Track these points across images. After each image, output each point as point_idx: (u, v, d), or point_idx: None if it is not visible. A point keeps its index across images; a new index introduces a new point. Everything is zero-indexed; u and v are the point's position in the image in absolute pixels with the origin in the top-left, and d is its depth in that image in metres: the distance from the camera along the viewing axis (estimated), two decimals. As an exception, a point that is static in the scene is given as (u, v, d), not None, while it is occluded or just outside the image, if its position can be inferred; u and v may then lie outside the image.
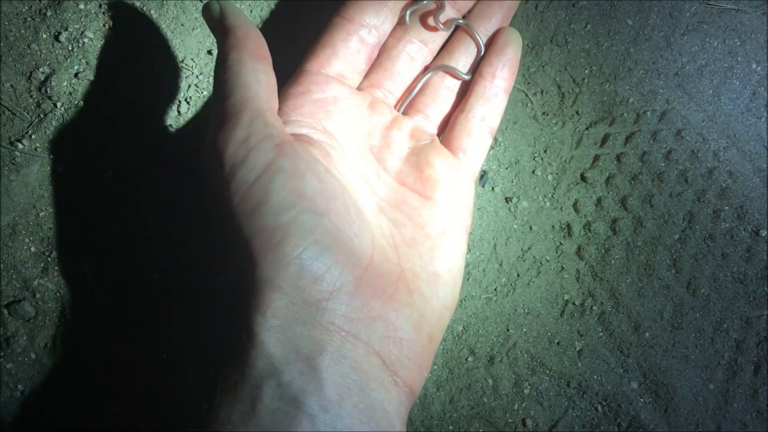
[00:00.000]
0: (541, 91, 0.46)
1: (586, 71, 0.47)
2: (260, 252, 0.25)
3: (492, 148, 0.45)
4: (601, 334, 0.44)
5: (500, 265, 0.44)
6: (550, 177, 0.45)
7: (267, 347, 0.25)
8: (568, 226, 0.45)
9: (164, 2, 0.42)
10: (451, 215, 0.34)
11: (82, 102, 0.41)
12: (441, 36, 0.37)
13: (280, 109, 0.31)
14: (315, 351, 0.25)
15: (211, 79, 0.42)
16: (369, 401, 0.26)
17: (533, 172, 0.45)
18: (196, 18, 0.42)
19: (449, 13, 0.37)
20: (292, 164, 0.27)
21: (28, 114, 0.41)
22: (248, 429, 0.24)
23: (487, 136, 0.37)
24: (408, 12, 0.36)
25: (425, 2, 0.36)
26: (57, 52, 0.41)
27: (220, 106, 0.29)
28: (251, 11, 0.43)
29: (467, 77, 0.37)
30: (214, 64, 0.38)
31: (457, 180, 0.35)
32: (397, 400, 0.27)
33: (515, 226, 0.45)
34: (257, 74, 0.30)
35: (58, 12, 0.42)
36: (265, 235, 0.26)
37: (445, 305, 0.32)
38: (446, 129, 0.37)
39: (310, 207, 0.27)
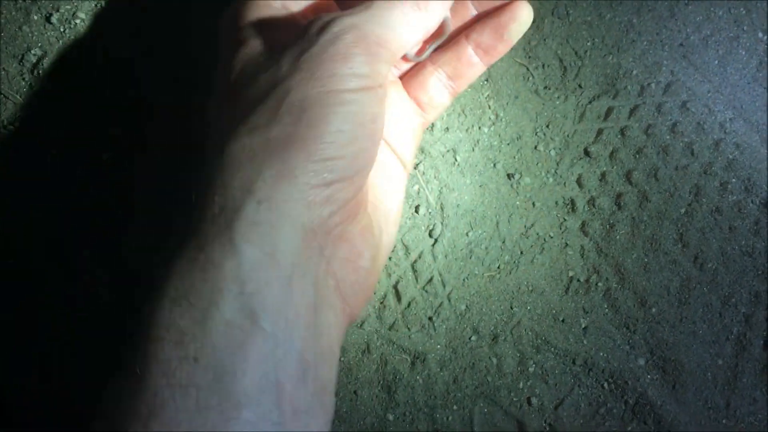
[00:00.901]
0: (543, 65, 0.45)
1: (589, 43, 0.46)
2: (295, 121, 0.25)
3: (493, 123, 0.44)
4: (607, 310, 0.43)
5: (503, 242, 0.43)
6: (552, 152, 0.45)
7: (242, 249, 0.23)
8: (572, 201, 0.44)
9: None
10: (397, 157, 0.35)
11: (74, 83, 0.40)
12: None
13: None
14: (289, 259, 0.24)
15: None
16: (319, 324, 0.25)
17: (535, 147, 0.44)
18: (188, -4, 0.42)
19: None
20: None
21: (20, 97, 0.40)
22: (198, 340, 0.22)
23: (447, 98, 0.36)
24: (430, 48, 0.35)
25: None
26: (49, 33, 0.41)
27: None
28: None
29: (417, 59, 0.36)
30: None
31: (407, 127, 0.35)
32: (341, 327, 0.27)
33: (518, 203, 0.44)
34: None
35: (48, -7, 0.41)
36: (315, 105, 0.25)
37: (389, 246, 0.32)
38: (410, 73, 0.36)
39: None
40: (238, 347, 0.22)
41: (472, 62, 0.36)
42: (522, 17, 0.35)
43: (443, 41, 0.35)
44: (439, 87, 0.36)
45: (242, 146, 0.25)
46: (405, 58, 0.35)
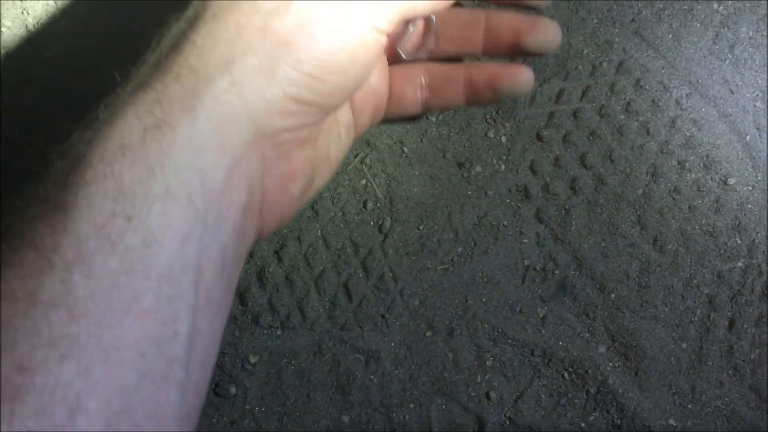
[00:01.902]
0: (490, 49, 0.44)
1: (537, 24, 0.44)
2: None
3: (441, 112, 0.43)
4: (565, 298, 0.42)
5: (456, 234, 0.42)
6: (504, 138, 0.43)
7: (200, 121, 0.23)
8: (525, 188, 0.43)
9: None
10: (354, 116, 0.34)
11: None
12: None
13: None
14: (236, 151, 0.24)
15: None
16: (242, 228, 0.25)
17: (486, 134, 0.43)
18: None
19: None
20: None
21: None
22: (136, 198, 0.21)
23: (414, 103, 0.35)
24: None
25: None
26: (-25, 43, 0.40)
27: None
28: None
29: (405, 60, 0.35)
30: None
31: (372, 97, 0.35)
32: (252, 240, 0.27)
33: (469, 193, 0.43)
34: None
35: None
36: None
37: (317, 189, 0.32)
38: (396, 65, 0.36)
39: None
40: (169, 218, 0.21)
41: (455, 91, 0.35)
42: (521, 84, 0.35)
43: (432, 44, 0.34)
44: (415, 88, 0.36)
45: (237, 21, 0.25)
46: (395, 56, 0.34)
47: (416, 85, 0.35)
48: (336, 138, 0.34)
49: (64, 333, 0.19)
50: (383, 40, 0.29)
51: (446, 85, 0.35)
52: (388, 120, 0.40)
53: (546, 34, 0.33)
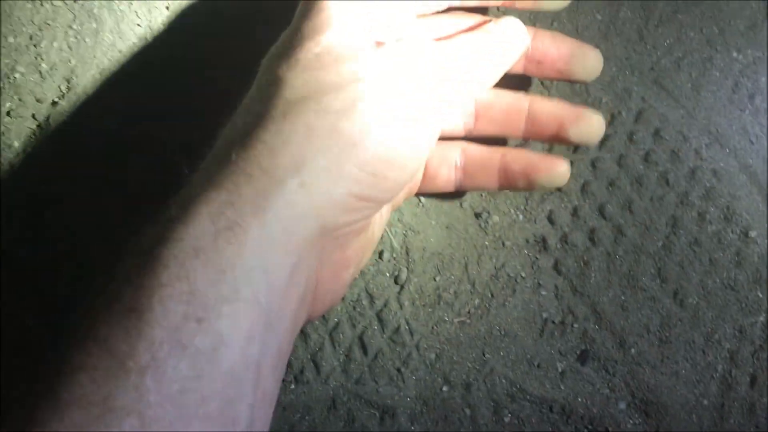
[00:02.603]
0: (508, 97, 0.43)
1: (555, 72, 0.44)
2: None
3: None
4: (586, 363, 0.41)
5: (473, 285, 0.42)
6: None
7: (269, 222, 0.23)
8: (543, 239, 0.42)
9: (98, 34, 0.40)
10: None
11: (15, 143, 0.39)
12: None
13: None
14: (300, 247, 0.24)
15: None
16: (297, 318, 0.26)
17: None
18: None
19: None
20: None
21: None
22: (208, 300, 0.21)
23: (446, 181, 0.39)
24: None
25: None
26: (-13, 90, 0.39)
27: None
28: None
29: None
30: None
31: None
32: (301, 325, 0.28)
33: (486, 243, 0.42)
34: None
35: (-14, 48, 0.39)
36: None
37: (362, 267, 0.33)
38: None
39: None
40: (236, 320, 0.21)
41: (489, 176, 0.37)
42: (557, 177, 0.36)
43: (471, 123, 0.36)
44: (450, 169, 0.37)
45: (307, 122, 0.24)
46: None
47: (451, 166, 0.35)
48: (379, 218, 0.34)
49: None
50: (439, 134, 0.29)
51: (481, 170, 0.35)
52: (420, 194, 0.40)
53: (590, 125, 0.33)
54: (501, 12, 0.41)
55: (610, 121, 0.43)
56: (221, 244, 0.22)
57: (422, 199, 0.42)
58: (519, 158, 0.35)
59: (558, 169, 0.35)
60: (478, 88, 0.31)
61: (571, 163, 0.43)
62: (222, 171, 0.24)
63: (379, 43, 0.27)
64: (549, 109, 0.34)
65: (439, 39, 0.31)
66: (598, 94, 0.44)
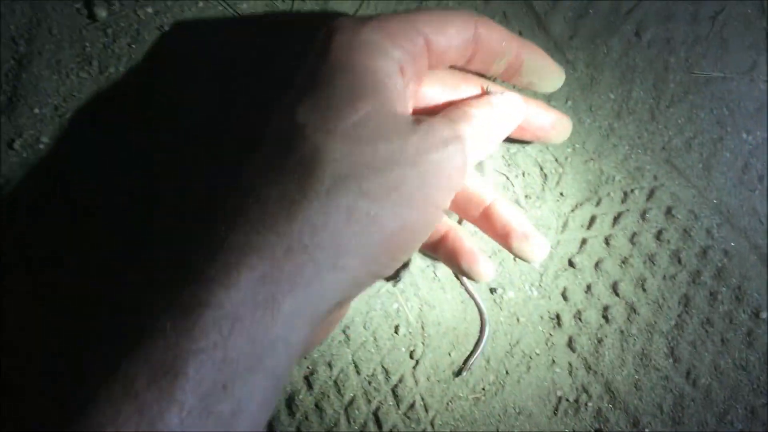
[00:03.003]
0: (523, 173, 0.44)
1: (569, 149, 0.45)
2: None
3: (473, 236, 0.43)
4: (598, 433, 0.41)
5: (487, 362, 0.42)
6: (536, 264, 0.43)
7: (284, 309, 0.25)
8: (558, 316, 0.43)
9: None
10: None
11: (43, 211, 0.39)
12: None
13: None
14: (301, 338, 0.26)
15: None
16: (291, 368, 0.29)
17: (516, 260, 0.43)
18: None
19: None
20: None
21: (-19, 230, 0.39)
22: (239, 369, 0.23)
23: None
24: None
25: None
26: (11, 160, 0.40)
27: None
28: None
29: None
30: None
31: None
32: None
33: (501, 319, 0.42)
34: None
35: (11, 118, 0.40)
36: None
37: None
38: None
39: None
40: (255, 388, 0.23)
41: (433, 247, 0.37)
42: (478, 274, 0.37)
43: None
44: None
45: (348, 205, 0.26)
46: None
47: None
48: None
49: None
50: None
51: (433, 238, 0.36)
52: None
53: (532, 252, 0.35)
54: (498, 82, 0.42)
55: (623, 199, 0.44)
56: (258, 315, 0.23)
57: (438, 273, 0.42)
58: (456, 238, 0.38)
59: (480, 268, 0.38)
60: (482, 156, 0.33)
61: (585, 241, 0.43)
62: (264, 235, 0.24)
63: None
64: (503, 217, 0.35)
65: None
66: (611, 172, 0.44)
